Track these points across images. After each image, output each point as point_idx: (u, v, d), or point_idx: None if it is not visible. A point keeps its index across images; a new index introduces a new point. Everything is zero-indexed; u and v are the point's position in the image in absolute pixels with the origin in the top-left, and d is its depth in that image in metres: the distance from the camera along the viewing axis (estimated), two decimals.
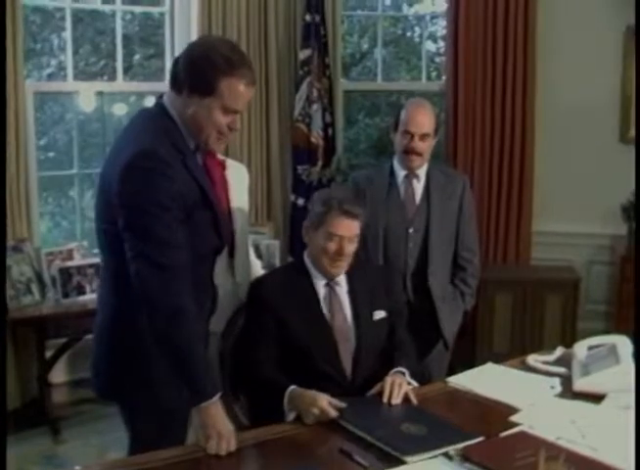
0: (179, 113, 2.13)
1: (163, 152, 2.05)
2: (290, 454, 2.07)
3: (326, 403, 2.17)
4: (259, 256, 4.50)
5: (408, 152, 3.09)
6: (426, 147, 3.10)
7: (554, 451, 1.87)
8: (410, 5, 5.62)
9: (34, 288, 3.88)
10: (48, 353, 4.10)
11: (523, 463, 1.73)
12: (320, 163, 4.64)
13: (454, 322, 3.20)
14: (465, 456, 1.90)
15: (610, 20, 4.61)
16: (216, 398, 2.03)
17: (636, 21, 4.37)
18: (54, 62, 5.32)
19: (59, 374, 4.30)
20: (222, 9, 4.51)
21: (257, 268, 3.03)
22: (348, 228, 2.46)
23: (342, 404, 2.18)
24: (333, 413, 2.16)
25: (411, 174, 3.16)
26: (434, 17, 5.61)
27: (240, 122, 4.46)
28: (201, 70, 2.06)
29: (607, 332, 3.66)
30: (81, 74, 5.15)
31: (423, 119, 3.08)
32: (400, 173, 3.17)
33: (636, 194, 4.36)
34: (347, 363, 2.49)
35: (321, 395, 2.21)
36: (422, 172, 3.17)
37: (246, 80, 2.09)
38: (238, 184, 2.89)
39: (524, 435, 2.05)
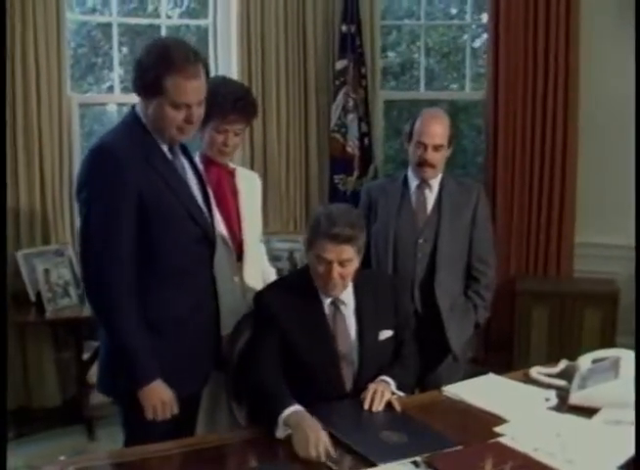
0: (144, 114, 2.29)
1: (119, 148, 2.21)
2: (263, 453, 2.14)
3: (323, 450, 2.04)
4: (294, 264, 4.56)
5: (421, 163, 3.09)
6: (439, 158, 3.08)
7: (520, 462, 1.87)
8: (470, 13, 5.55)
9: (72, 291, 4.03)
10: (86, 355, 4.24)
11: None
12: (356, 172, 4.66)
13: (463, 335, 3.12)
14: (429, 463, 1.90)
15: None
16: (155, 382, 2.22)
17: (636, 20, 4.27)
18: (113, 75, 5.53)
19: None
20: (261, 19, 4.60)
21: (271, 276, 3.09)
22: (336, 253, 2.37)
23: (335, 454, 2.05)
24: (323, 459, 2.03)
25: (424, 184, 3.14)
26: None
27: (277, 128, 4.62)
28: (144, 72, 2.22)
29: None
30: None
31: (436, 130, 3.06)
32: (413, 183, 3.16)
33: (636, 195, 4.25)
34: (349, 381, 2.48)
35: (323, 437, 2.08)
36: (435, 182, 3.15)
37: (186, 74, 2.20)
38: (249, 192, 2.95)
39: (497, 445, 2.04)
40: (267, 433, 2.17)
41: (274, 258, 4.36)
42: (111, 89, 5.32)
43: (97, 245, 2.19)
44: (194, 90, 2.23)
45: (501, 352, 4.71)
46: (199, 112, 2.28)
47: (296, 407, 2.19)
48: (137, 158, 2.23)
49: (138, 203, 2.21)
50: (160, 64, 2.19)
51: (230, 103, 2.70)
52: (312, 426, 2.11)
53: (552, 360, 3.23)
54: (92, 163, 2.24)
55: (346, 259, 2.39)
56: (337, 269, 2.39)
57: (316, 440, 2.05)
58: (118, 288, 2.19)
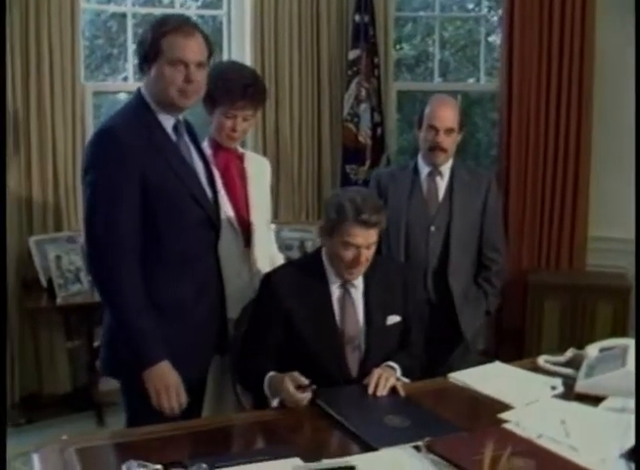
0: (150, 91, 2.31)
1: (121, 129, 2.23)
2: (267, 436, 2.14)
3: (292, 388, 2.21)
4: (304, 253, 4.55)
5: (433, 148, 3.08)
6: (450, 142, 3.08)
7: (522, 447, 1.86)
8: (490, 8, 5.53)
9: (83, 277, 4.04)
10: (96, 342, 4.25)
11: (479, 458, 1.71)
12: (368, 162, 4.64)
13: (475, 323, 3.13)
14: (430, 448, 1.89)
15: None
16: (162, 363, 2.20)
17: (636, 21, 4.24)
18: (127, 66, 5.55)
19: None
20: (274, 9, 4.59)
21: (279, 261, 3.08)
22: (365, 237, 2.39)
23: (306, 382, 2.22)
24: (299, 396, 2.21)
25: (435, 171, 3.14)
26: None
27: (290, 117, 4.63)
28: (144, 42, 2.27)
29: None
30: None
31: (447, 114, 3.06)
32: (424, 170, 3.15)
33: (636, 195, 4.24)
34: (354, 366, 2.48)
35: (287, 377, 2.24)
36: (446, 169, 3.14)
37: (182, 32, 2.25)
38: (257, 177, 2.95)
39: (500, 431, 2.02)
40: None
41: (285, 248, 4.36)
42: (126, 80, 5.33)
43: (99, 225, 2.20)
44: (190, 48, 2.25)
45: (513, 345, 4.68)
46: (198, 74, 2.28)
47: (269, 374, 2.33)
48: (140, 139, 2.24)
49: (141, 184, 2.22)
50: (156, 28, 2.25)
51: (239, 89, 2.70)
52: (278, 377, 2.29)
53: (563, 352, 3.27)
54: (95, 145, 2.25)
55: (372, 243, 2.44)
56: (364, 253, 2.42)
57: (287, 394, 2.21)
58: (122, 268, 2.19)
